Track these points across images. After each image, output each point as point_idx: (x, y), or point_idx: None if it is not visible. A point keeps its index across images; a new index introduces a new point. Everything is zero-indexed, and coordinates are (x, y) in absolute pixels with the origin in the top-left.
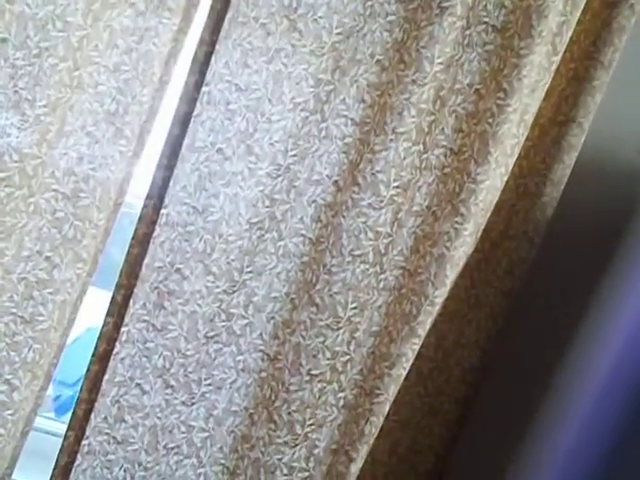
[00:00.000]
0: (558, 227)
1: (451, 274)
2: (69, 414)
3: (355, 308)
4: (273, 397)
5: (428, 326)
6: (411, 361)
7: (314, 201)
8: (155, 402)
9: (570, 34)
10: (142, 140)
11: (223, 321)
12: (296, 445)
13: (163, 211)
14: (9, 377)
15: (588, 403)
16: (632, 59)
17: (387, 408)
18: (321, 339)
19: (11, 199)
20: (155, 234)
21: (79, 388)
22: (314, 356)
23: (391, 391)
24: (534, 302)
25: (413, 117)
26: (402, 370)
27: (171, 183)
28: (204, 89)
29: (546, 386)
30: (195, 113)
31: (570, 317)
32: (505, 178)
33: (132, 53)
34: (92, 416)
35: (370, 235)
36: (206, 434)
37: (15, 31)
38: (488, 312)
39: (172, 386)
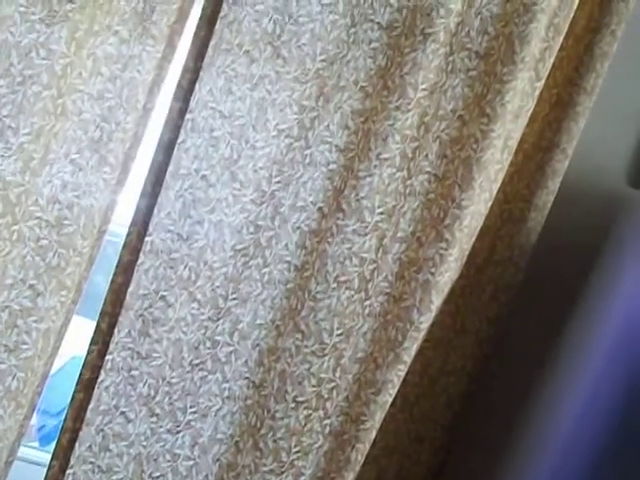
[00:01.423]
0: (542, 252)
1: (436, 300)
2: (53, 444)
3: (340, 334)
4: (259, 425)
5: (414, 352)
6: (397, 387)
7: (299, 227)
8: (140, 430)
9: (553, 60)
10: (126, 167)
11: (208, 348)
12: (282, 473)
13: (147, 238)
14: None
15: (571, 430)
16: (614, 84)
17: (373, 435)
18: (306, 366)
19: None
20: (139, 262)
21: (63, 417)
22: (299, 383)
23: (377, 418)
24: (519, 328)
25: (397, 143)
26: (388, 396)
27: (155, 210)
28: (188, 116)
29: (532, 413)
30: (179, 140)
31: (555, 342)
32: (489, 204)
33: (116, 81)
34: (76, 445)
35: (355, 261)
36: (191, 462)
37: None
38: (474, 338)
39: (157, 414)
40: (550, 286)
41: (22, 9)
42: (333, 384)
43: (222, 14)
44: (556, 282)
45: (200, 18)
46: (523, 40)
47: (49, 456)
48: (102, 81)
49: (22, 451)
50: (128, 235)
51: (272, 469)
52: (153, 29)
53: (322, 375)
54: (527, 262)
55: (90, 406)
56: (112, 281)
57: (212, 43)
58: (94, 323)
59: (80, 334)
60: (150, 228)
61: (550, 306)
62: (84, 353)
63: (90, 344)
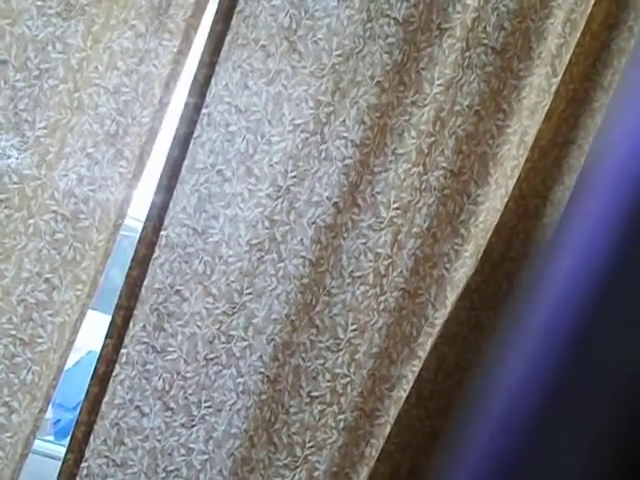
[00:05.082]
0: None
1: (451, 296)
2: (69, 438)
3: (355, 330)
4: (273, 419)
5: (428, 348)
6: (411, 383)
7: (314, 222)
8: (154, 424)
9: (569, 56)
10: (142, 161)
11: (223, 343)
12: (296, 468)
13: (163, 233)
14: (8, 399)
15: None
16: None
17: (387, 430)
18: (321, 361)
19: (10, 221)
20: (155, 256)
21: (79, 411)
22: (314, 378)
23: (391, 413)
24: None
25: (413, 138)
26: (402, 392)
27: (171, 204)
28: (204, 111)
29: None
30: (195, 135)
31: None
32: (505, 199)
33: (132, 75)
34: (91, 439)
35: (370, 257)
36: (206, 457)
37: (15, 53)
38: (488, 334)
39: (172, 408)
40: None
41: (39, 3)
42: (347, 379)
43: (238, 9)
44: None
45: (216, 12)
46: (540, 36)
47: (64, 450)
48: (118, 75)
49: (37, 444)
50: (144, 229)
51: (286, 464)
52: (169, 23)
53: (337, 370)
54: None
55: (105, 400)
56: (128, 275)
57: (228, 38)
58: (109, 317)
59: (96, 328)
60: (166, 222)
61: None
62: (100, 347)
63: (105, 338)
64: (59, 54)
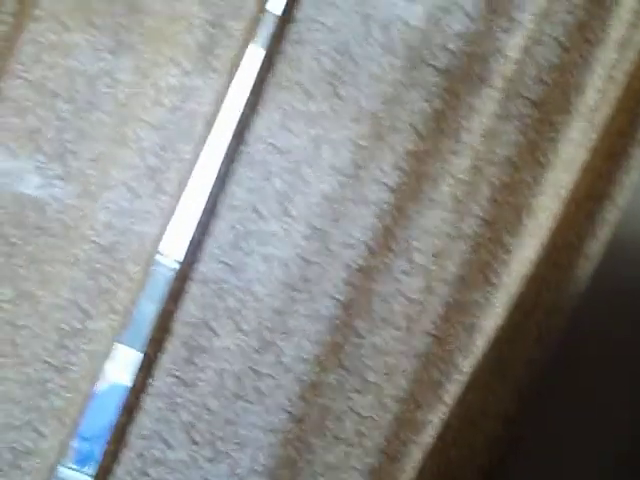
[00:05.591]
0: (590, 301)
1: (480, 343)
2: (87, 466)
3: (383, 373)
4: (297, 458)
5: (455, 394)
6: (437, 429)
7: (347, 264)
8: (179, 457)
9: (607, 111)
10: (180, 196)
11: (251, 380)
12: None
13: (198, 267)
14: (37, 425)
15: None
16: None
17: (411, 475)
18: (348, 402)
19: (51, 249)
20: (189, 290)
21: (105, 440)
22: (340, 419)
23: (415, 458)
24: (563, 374)
25: (449, 186)
26: (428, 437)
27: (208, 240)
28: (244, 149)
29: (572, 457)
30: (234, 172)
31: (600, 390)
32: (537, 250)
33: (176, 111)
34: (116, 468)
35: (401, 301)
36: None
37: (65, 85)
38: (515, 383)
39: (197, 442)
40: (596, 334)
41: (91, 38)
42: (373, 422)
43: (283, 51)
44: (603, 331)
45: (264, 55)
46: (578, 90)
47: (84, 477)
48: (163, 111)
49: (60, 471)
50: (180, 263)
51: None
52: (215, 62)
53: (363, 412)
54: (574, 309)
55: (132, 430)
56: (162, 308)
57: (272, 79)
58: (133, 351)
59: (119, 361)
60: (201, 257)
61: (596, 354)
62: (122, 380)
63: (137, 369)
64: (107, 88)
